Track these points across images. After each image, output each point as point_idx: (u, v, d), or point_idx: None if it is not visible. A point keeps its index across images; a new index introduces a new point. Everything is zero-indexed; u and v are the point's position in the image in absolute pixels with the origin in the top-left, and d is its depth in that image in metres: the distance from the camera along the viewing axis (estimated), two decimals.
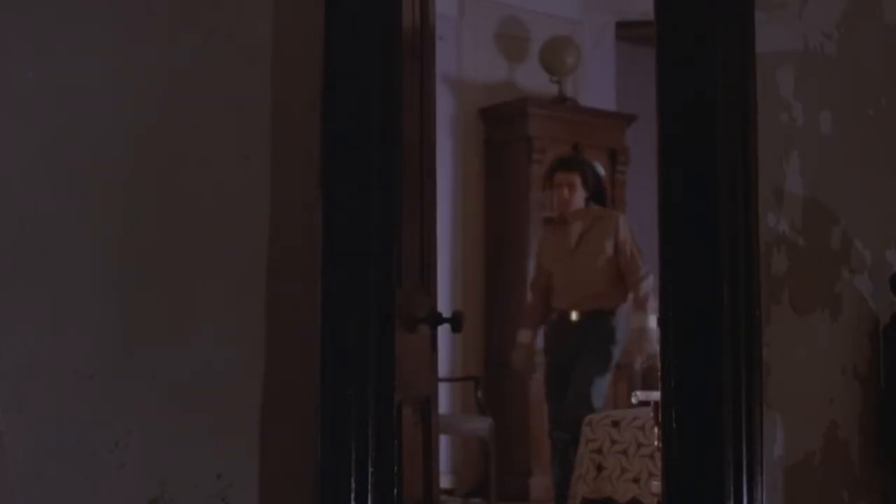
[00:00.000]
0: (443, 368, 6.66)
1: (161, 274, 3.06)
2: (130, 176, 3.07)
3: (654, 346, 5.61)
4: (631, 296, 6.49)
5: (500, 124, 8.10)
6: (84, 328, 3.01)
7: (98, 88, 3.06)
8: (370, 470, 3.04)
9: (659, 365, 3.27)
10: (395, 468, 3.09)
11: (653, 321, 5.92)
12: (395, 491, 3.09)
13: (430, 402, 3.58)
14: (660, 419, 3.44)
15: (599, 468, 6.22)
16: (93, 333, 3.01)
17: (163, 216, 3.08)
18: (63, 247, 3.01)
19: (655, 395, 4.84)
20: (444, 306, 4.27)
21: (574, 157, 7.29)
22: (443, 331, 3.64)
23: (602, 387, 6.48)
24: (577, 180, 6.61)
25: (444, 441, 6.74)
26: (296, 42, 3.16)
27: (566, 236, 6.60)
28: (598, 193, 6.71)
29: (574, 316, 6.49)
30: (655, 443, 5.04)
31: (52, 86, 3.04)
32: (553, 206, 6.80)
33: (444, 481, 7.17)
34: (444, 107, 7.59)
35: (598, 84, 8.59)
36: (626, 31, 8.65)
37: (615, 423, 6.23)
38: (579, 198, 6.60)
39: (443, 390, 6.62)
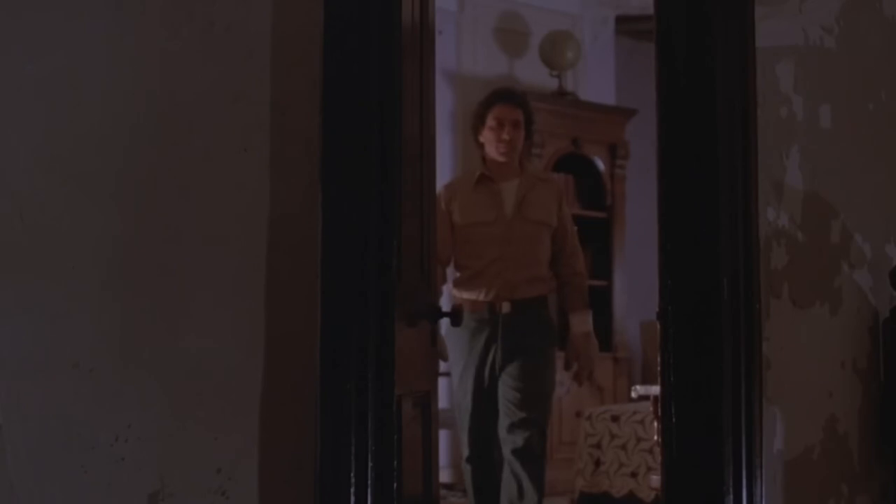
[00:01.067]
0: (443, 363, 6.65)
1: (160, 268, 3.06)
2: (129, 169, 3.07)
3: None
4: (565, 288, 5.00)
5: None
6: (83, 322, 3.01)
7: (95, 82, 3.06)
8: (370, 464, 3.04)
9: (658, 359, 3.27)
10: (395, 462, 3.09)
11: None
12: (395, 485, 3.09)
13: (429, 396, 3.58)
14: (659, 413, 3.44)
15: (597, 463, 6.22)
16: (92, 328, 3.01)
17: (161, 210, 3.08)
18: (62, 241, 3.01)
19: (655, 390, 4.85)
20: (443, 300, 4.27)
21: (516, 89, 5.50)
22: (443, 325, 3.63)
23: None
24: (521, 119, 4.96)
25: (443, 436, 6.73)
26: (295, 35, 3.16)
27: (497, 195, 4.88)
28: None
29: (505, 308, 4.75)
30: (655, 437, 5.05)
31: (50, 79, 3.03)
32: (492, 151, 4.94)
33: (444, 476, 7.17)
34: (444, 101, 7.57)
35: (597, 79, 8.58)
36: (626, 25, 8.64)
37: (615, 418, 6.24)
38: (519, 144, 4.95)
39: (443, 385, 6.62)
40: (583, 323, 4.97)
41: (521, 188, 4.88)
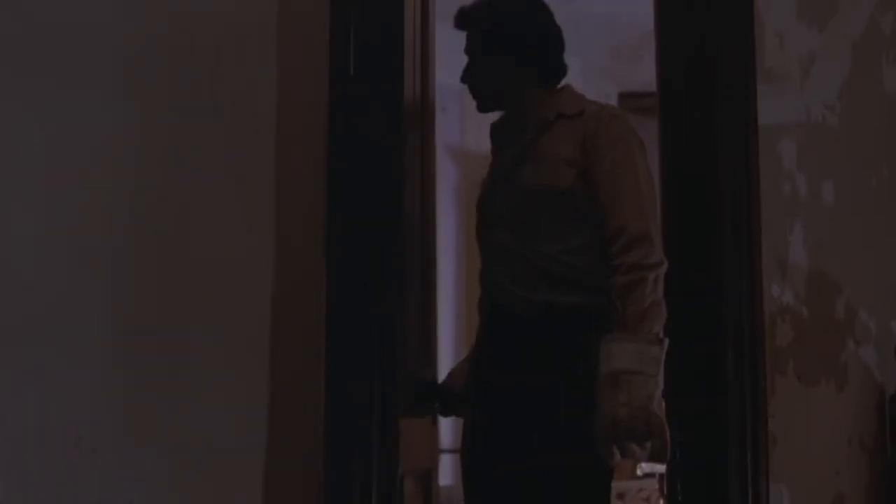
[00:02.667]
0: (444, 439, 6.62)
1: (163, 345, 3.05)
2: (132, 244, 3.07)
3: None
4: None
5: None
6: (85, 399, 2.99)
7: (101, 155, 3.06)
8: None
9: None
10: None
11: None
12: None
13: (431, 474, 3.56)
14: (665, 491, 3.41)
15: None
16: (94, 404, 2.99)
17: (166, 287, 3.07)
18: (64, 315, 3.00)
19: (661, 467, 4.82)
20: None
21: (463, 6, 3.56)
22: None
23: None
24: (473, 42, 3.37)
25: None
26: (299, 113, 3.18)
27: None
28: None
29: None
30: None
31: (58, 153, 3.04)
32: None
33: None
34: (447, 177, 7.60)
35: None
36: (629, 101, 8.68)
37: (620, 496, 6.20)
38: (482, 80, 3.35)
39: (445, 461, 6.57)
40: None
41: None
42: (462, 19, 3.26)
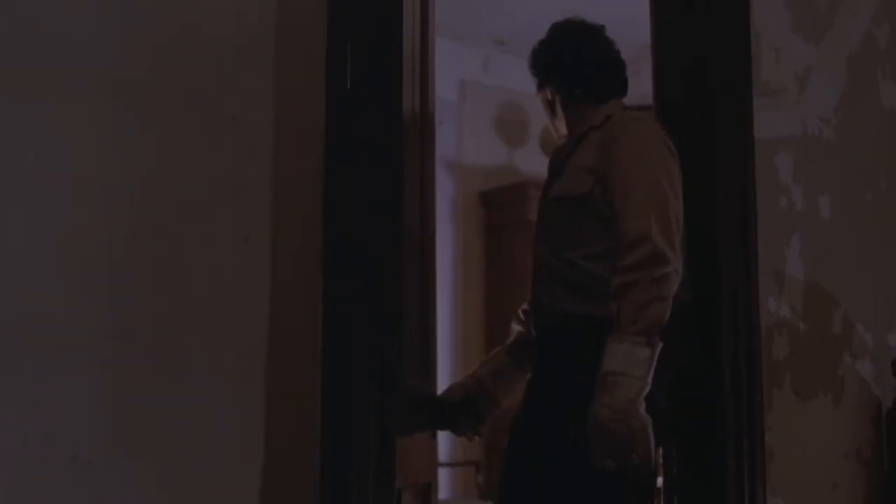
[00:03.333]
0: (443, 453, 6.63)
1: (159, 362, 3.05)
2: (129, 260, 3.06)
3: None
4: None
5: (501, 208, 8.12)
6: (82, 414, 2.99)
7: (98, 171, 3.06)
8: None
9: (661, 450, 3.24)
10: None
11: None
12: None
13: (430, 489, 3.55)
14: None
15: None
16: (91, 419, 2.99)
17: (162, 300, 3.07)
18: (61, 331, 3.00)
19: (658, 482, 4.81)
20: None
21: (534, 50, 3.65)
22: None
23: None
24: (550, 97, 3.51)
25: None
26: (297, 127, 3.18)
27: None
28: None
29: None
30: None
31: (52, 167, 3.04)
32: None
33: None
34: (444, 190, 7.61)
35: None
36: None
37: None
38: (557, 123, 3.53)
39: (443, 475, 6.57)
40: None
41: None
42: (539, 71, 3.47)
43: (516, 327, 3.44)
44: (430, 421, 3.51)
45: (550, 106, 3.46)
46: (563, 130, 3.43)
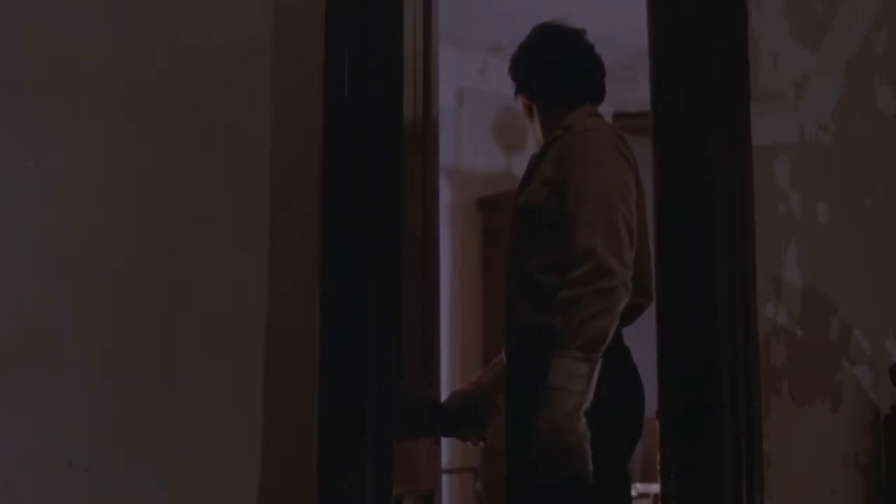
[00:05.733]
0: (445, 460, 6.61)
1: (158, 369, 3.04)
2: (127, 267, 3.06)
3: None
4: None
5: (498, 214, 8.12)
6: (80, 421, 2.99)
7: (96, 179, 3.07)
8: None
9: (658, 456, 3.24)
10: None
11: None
12: None
13: (433, 495, 3.54)
14: None
15: None
16: (88, 426, 2.99)
17: (159, 308, 3.07)
18: (59, 337, 3.00)
19: (655, 488, 4.81)
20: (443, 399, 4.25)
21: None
22: None
23: None
24: (526, 102, 3.55)
25: None
26: (295, 133, 3.18)
27: None
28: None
29: None
30: None
31: (51, 176, 3.04)
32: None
33: None
34: (442, 196, 7.57)
35: None
36: (623, 121, 8.70)
37: None
38: (536, 128, 3.56)
39: (445, 481, 6.56)
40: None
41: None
42: (516, 80, 3.52)
43: None
44: (434, 428, 3.50)
45: (529, 111, 3.48)
46: (540, 136, 3.46)
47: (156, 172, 3.10)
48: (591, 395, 2.94)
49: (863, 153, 3.61)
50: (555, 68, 3.42)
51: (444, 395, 3.78)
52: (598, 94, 3.43)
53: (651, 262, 3.24)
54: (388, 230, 3.09)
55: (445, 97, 7.63)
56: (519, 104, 3.55)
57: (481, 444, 3.53)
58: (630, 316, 3.22)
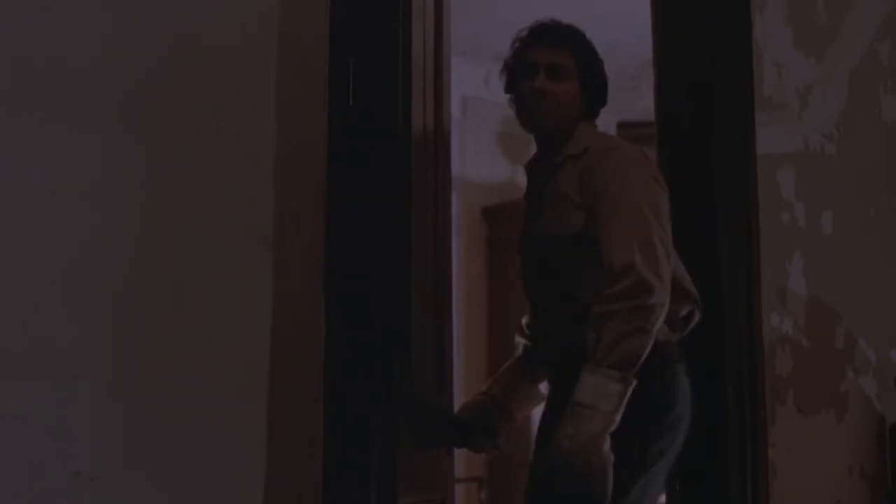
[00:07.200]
0: (457, 469, 6.59)
1: (161, 380, 3.04)
2: (133, 277, 3.06)
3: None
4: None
5: (503, 223, 8.11)
6: (84, 432, 2.99)
7: (102, 191, 3.07)
8: None
9: None
10: None
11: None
12: None
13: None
14: None
15: None
16: (93, 437, 2.99)
17: (164, 318, 3.07)
18: (64, 349, 3.00)
19: (661, 499, 4.80)
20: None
21: (560, 24, 3.24)
22: None
23: None
24: (569, 64, 3.15)
25: None
26: (300, 143, 3.18)
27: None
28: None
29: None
30: None
31: (57, 186, 3.04)
32: (521, 119, 3.28)
33: None
34: None
35: None
36: (628, 130, 8.69)
37: None
38: (565, 102, 3.15)
39: (457, 490, 6.54)
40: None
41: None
42: (562, 37, 3.16)
43: (521, 340, 3.42)
44: (448, 438, 3.49)
45: (555, 73, 3.11)
46: (545, 122, 3.16)
47: (159, 183, 3.10)
48: (619, 418, 2.77)
49: (867, 162, 3.61)
50: (602, 80, 3.20)
51: (455, 403, 3.78)
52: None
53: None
54: (392, 240, 3.08)
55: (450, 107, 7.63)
56: (519, 127, 3.31)
57: (496, 452, 3.50)
58: (682, 324, 3.06)
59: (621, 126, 8.66)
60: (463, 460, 7.67)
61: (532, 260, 3.23)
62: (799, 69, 3.53)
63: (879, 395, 3.49)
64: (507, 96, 3.29)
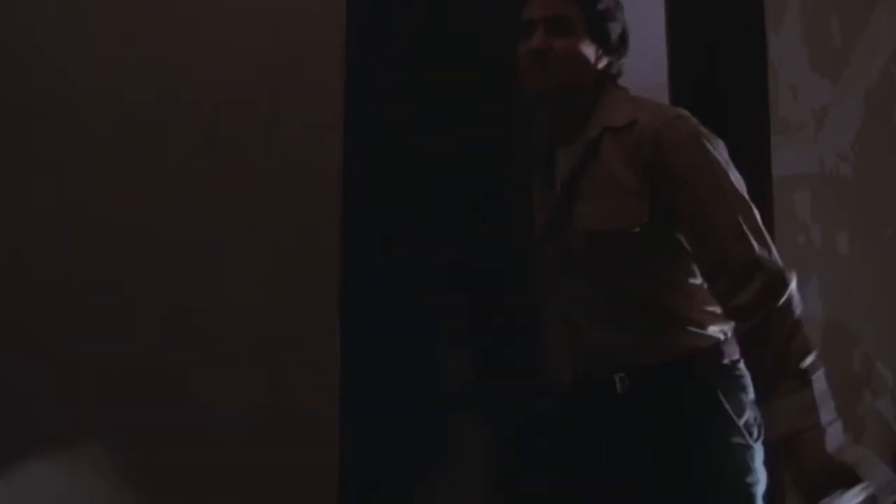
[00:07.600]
0: None
1: (177, 389, 3.04)
2: (147, 298, 3.07)
3: None
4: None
5: None
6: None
7: (108, 216, 3.07)
8: None
9: None
10: None
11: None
12: None
13: None
14: None
15: None
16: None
17: (181, 336, 3.07)
18: (77, 372, 3.01)
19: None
20: None
21: None
22: None
23: None
24: (575, 17, 2.63)
25: None
26: (315, 167, 3.18)
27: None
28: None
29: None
30: None
31: (62, 209, 3.05)
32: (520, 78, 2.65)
33: None
34: None
35: None
36: None
37: None
38: (572, 58, 2.62)
39: None
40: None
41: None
42: None
43: None
44: None
45: (556, 28, 2.60)
46: (569, 96, 2.62)
47: (175, 205, 3.11)
48: (827, 417, 2.40)
49: (882, 182, 3.60)
50: (622, 30, 2.69)
51: None
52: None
53: None
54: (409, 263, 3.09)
55: None
56: None
57: None
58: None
59: None
60: None
61: (564, 260, 2.62)
62: (814, 91, 3.53)
63: None
64: None
